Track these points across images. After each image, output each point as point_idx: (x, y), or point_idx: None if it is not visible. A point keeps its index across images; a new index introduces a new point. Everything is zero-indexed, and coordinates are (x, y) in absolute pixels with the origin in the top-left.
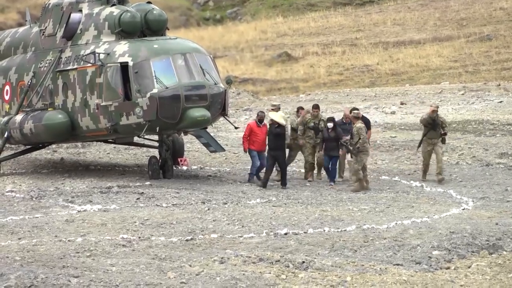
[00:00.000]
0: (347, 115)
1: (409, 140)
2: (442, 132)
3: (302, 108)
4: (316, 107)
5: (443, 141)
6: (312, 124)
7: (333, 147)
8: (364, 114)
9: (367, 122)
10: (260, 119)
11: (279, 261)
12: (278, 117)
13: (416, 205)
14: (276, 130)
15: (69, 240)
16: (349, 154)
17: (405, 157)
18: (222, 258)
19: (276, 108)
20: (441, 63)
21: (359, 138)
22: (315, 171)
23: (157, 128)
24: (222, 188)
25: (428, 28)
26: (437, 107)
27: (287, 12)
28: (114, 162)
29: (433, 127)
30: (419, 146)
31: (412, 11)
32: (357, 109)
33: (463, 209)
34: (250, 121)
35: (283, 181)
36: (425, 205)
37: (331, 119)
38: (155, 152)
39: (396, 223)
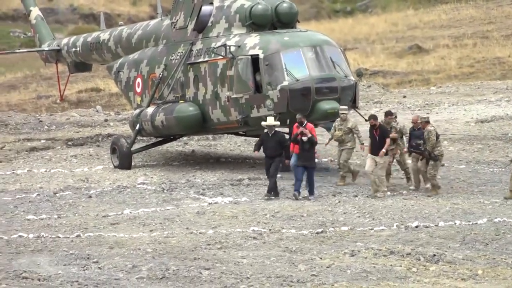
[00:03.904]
0: (414, 120)
1: None
2: None
3: (391, 114)
4: (389, 113)
5: None
6: None
7: (309, 157)
8: (496, 106)
9: (385, 131)
10: (300, 122)
11: (410, 254)
12: (272, 121)
13: None
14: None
15: (200, 232)
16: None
17: None
18: (352, 250)
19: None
20: None
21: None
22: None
23: (288, 121)
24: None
25: None
26: None
27: (418, 4)
28: (245, 155)
29: None
30: None
31: None
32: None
33: None
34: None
35: (275, 191)
36: None
37: (305, 133)
38: None
39: None
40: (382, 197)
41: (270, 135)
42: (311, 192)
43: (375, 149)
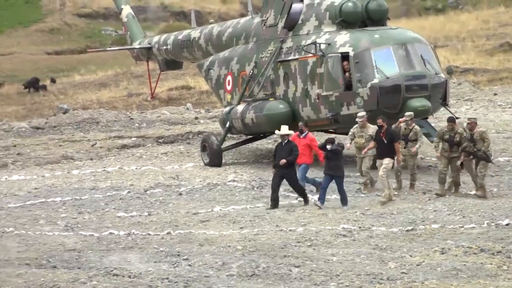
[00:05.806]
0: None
1: None
2: None
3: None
4: (451, 120)
5: None
6: (447, 136)
7: (334, 166)
8: None
9: (393, 134)
10: (300, 130)
11: (500, 252)
12: (286, 130)
13: None
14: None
15: (290, 230)
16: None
17: None
18: (443, 248)
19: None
20: None
21: (484, 143)
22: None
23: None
24: None
25: None
26: None
27: (509, 1)
28: None
29: None
30: None
31: None
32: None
33: None
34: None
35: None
36: None
37: (330, 141)
38: None
39: None
40: (385, 201)
41: (283, 144)
42: (343, 201)
43: (381, 153)
